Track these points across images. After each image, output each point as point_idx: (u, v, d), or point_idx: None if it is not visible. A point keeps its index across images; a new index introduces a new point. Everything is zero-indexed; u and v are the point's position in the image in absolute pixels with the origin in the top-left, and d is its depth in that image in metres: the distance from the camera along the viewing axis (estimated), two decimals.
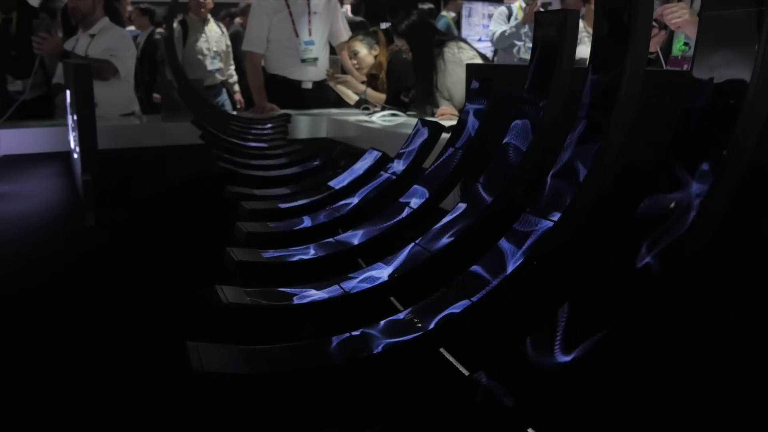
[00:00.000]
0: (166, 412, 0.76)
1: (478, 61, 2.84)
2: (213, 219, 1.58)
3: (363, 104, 3.20)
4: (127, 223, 1.59)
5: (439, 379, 0.76)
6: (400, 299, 0.99)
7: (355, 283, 0.99)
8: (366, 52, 3.23)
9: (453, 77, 2.75)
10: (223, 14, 5.27)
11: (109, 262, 1.32)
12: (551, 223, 0.85)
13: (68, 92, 1.86)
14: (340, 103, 3.40)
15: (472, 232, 1.00)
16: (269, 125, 2.72)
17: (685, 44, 2.41)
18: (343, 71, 3.41)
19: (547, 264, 0.85)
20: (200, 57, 3.77)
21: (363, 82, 3.31)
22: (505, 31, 4.55)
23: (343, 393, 0.78)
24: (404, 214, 1.21)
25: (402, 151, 1.43)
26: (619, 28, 0.86)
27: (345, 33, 3.56)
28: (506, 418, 0.65)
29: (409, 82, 3.04)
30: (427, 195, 1.21)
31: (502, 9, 4.77)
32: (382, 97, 3.15)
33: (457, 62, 2.74)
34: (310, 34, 3.41)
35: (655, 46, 2.44)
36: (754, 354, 0.79)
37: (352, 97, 3.29)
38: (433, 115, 2.73)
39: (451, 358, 0.83)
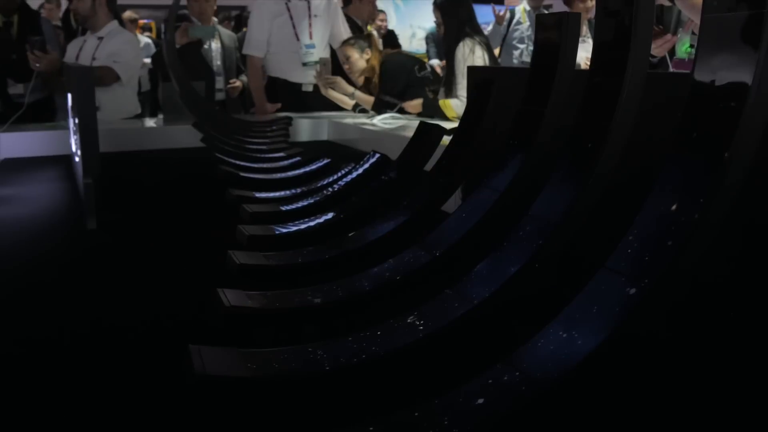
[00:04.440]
0: (168, 415, 0.76)
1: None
2: (215, 222, 1.58)
3: (358, 108, 3.21)
4: (128, 226, 1.59)
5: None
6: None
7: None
8: (358, 56, 3.23)
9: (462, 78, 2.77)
10: (221, 17, 5.28)
11: (111, 265, 1.32)
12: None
13: (69, 95, 1.86)
14: (340, 105, 3.40)
15: None
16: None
17: (691, 46, 2.41)
18: (335, 72, 3.41)
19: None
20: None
21: (359, 88, 3.31)
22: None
23: (346, 396, 0.78)
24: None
25: None
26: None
27: (346, 35, 3.56)
28: None
29: (400, 86, 3.05)
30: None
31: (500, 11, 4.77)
32: (370, 99, 3.16)
33: (466, 63, 2.77)
34: (310, 38, 3.41)
35: (664, 51, 2.45)
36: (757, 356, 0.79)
37: (348, 102, 3.30)
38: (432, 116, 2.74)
39: (451, 360, 0.83)
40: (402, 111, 2.96)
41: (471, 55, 2.81)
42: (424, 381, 0.78)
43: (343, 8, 3.86)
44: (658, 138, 0.84)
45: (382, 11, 6.48)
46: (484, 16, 3.21)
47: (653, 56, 2.47)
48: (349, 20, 3.81)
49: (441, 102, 2.78)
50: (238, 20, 6.39)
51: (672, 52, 2.57)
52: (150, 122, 3.21)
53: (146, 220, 1.67)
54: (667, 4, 1.83)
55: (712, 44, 0.72)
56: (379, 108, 3.04)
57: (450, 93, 2.85)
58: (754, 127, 0.66)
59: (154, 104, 4.02)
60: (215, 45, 3.63)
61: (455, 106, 2.75)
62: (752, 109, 0.66)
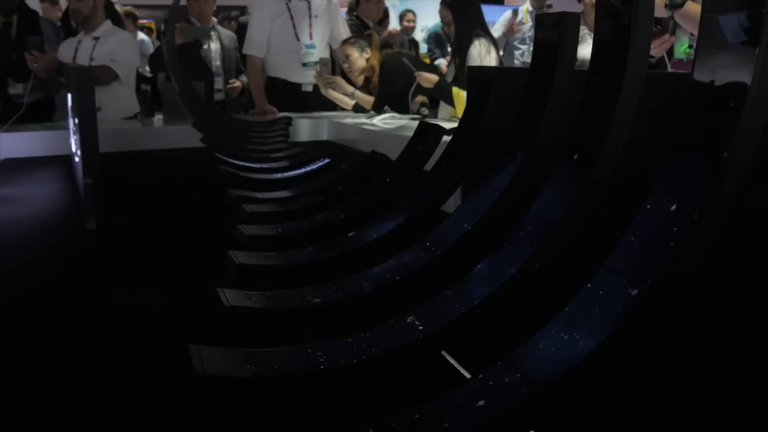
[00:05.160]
0: (168, 416, 0.76)
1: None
2: (214, 222, 1.58)
3: (358, 108, 3.21)
4: (128, 227, 1.59)
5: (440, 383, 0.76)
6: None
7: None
8: (357, 56, 3.23)
9: None
10: (221, 17, 5.27)
11: (111, 266, 1.32)
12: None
13: (69, 96, 1.86)
14: (340, 105, 3.40)
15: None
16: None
17: (690, 47, 2.42)
18: (335, 72, 3.42)
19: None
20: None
21: (360, 88, 3.32)
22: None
23: (345, 396, 0.78)
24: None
25: None
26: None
27: (346, 35, 3.57)
28: None
29: (400, 86, 3.05)
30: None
31: (507, 13, 4.78)
32: (370, 99, 3.16)
33: (483, 63, 2.79)
34: (311, 38, 3.41)
35: (662, 51, 2.46)
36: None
37: (348, 102, 3.30)
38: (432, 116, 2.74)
39: (452, 361, 0.83)
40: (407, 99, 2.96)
41: (487, 55, 2.83)
42: (422, 381, 0.78)
43: (354, 9, 3.85)
44: (657, 138, 0.84)
45: (410, 11, 6.36)
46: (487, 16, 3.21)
47: (651, 56, 2.48)
48: (359, 20, 3.81)
49: (455, 90, 2.77)
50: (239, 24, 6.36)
51: (670, 52, 2.58)
52: (149, 122, 3.21)
53: (146, 220, 1.67)
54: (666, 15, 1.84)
55: (712, 44, 0.72)
56: (379, 107, 3.04)
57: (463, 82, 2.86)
58: (754, 127, 0.66)
59: (154, 101, 3.98)
60: (214, 45, 3.62)
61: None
62: (752, 109, 0.66)
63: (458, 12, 2.94)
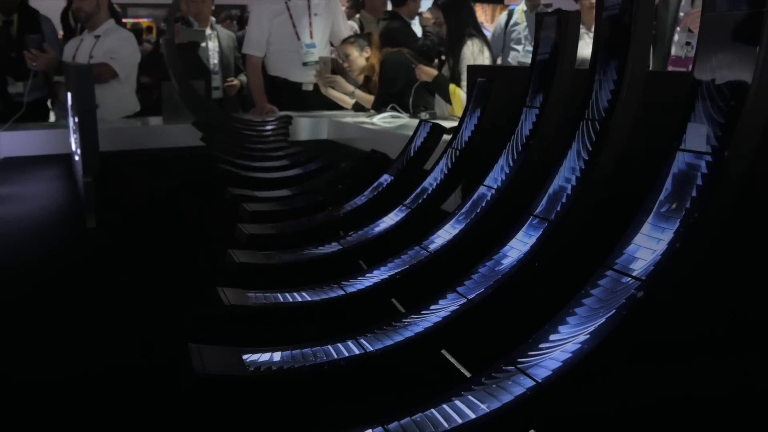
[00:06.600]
0: (168, 416, 0.76)
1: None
2: (214, 221, 1.58)
3: (358, 107, 3.21)
4: (128, 226, 1.59)
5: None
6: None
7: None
8: (357, 55, 3.23)
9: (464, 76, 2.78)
10: (223, 16, 5.27)
11: (111, 265, 1.32)
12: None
13: (69, 94, 1.86)
14: (340, 104, 3.40)
15: None
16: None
17: (687, 43, 2.42)
18: (335, 71, 3.41)
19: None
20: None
21: (360, 86, 3.31)
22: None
23: (344, 395, 0.78)
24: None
25: None
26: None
27: (346, 33, 3.56)
28: None
29: (400, 84, 3.05)
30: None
31: (502, 17, 4.76)
32: (371, 98, 3.16)
33: (476, 62, 2.79)
34: (311, 37, 3.41)
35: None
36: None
37: (348, 102, 3.29)
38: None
39: (452, 359, 0.83)
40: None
41: (480, 55, 2.84)
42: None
43: (394, 7, 3.81)
44: (657, 136, 0.84)
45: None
46: None
47: None
48: (400, 19, 3.76)
49: (451, 86, 2.78)
50: (240, 21, 6.37)
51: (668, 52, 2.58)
52: (149, 121, 3.20)
53: (145, 218, 1.67)
54: None
55: (712, 43, 0.72)
56: (379, 106, 3.03)
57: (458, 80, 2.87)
58: (754, 126, 0.66)
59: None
60: (212, 44, 3.62)
61: (462, 98, 2.74)
62: (752, 107, 0.66)
63: (450, 13, 2.95)
